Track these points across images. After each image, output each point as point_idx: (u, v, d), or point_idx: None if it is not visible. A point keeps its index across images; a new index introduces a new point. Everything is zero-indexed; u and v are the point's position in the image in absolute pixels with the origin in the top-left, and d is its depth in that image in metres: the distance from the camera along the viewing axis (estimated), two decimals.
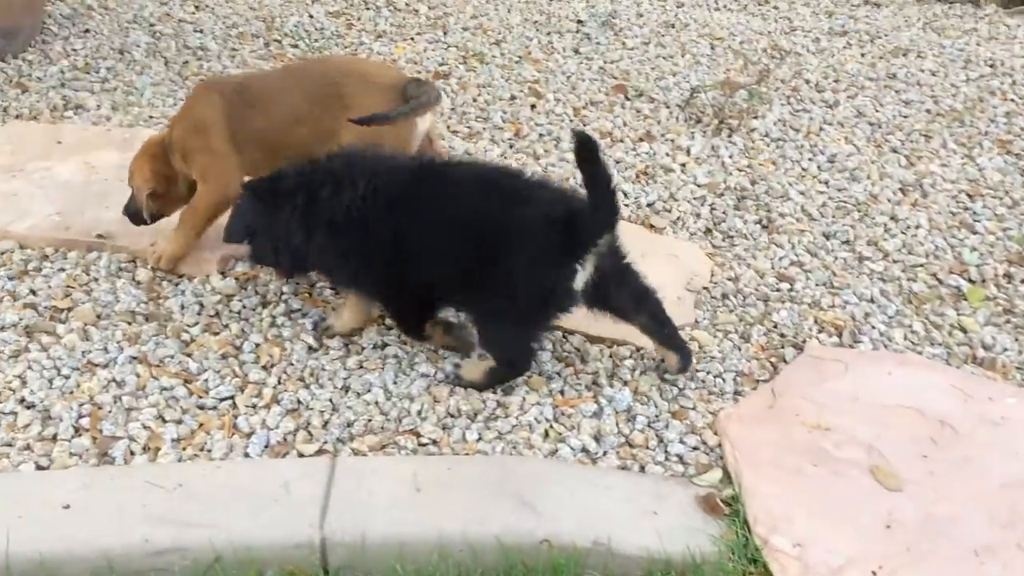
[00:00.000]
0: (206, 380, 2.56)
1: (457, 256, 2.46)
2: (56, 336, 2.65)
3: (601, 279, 2.44)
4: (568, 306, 2.49)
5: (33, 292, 2.80)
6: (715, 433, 2.46)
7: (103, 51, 4.28)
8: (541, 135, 3.87)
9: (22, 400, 2.44)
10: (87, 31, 4.47)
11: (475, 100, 4.12)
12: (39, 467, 2.26)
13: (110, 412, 2.43)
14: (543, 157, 3.70)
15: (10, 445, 2.31)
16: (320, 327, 2.75)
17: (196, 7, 4.87)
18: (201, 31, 4.59)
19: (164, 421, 2.42)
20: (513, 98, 4.16)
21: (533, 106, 4.09)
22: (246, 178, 2.81)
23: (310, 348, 2.69)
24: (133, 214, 2.93)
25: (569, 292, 2.43)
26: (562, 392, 2.59)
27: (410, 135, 2.88)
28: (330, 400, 2.51)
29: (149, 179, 2.85)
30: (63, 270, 2.90)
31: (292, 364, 2.63)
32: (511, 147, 3.78)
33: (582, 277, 2.41)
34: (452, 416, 2.49)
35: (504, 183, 2.53)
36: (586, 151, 2.28)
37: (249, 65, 4.29)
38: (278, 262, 2.72)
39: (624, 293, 2.54)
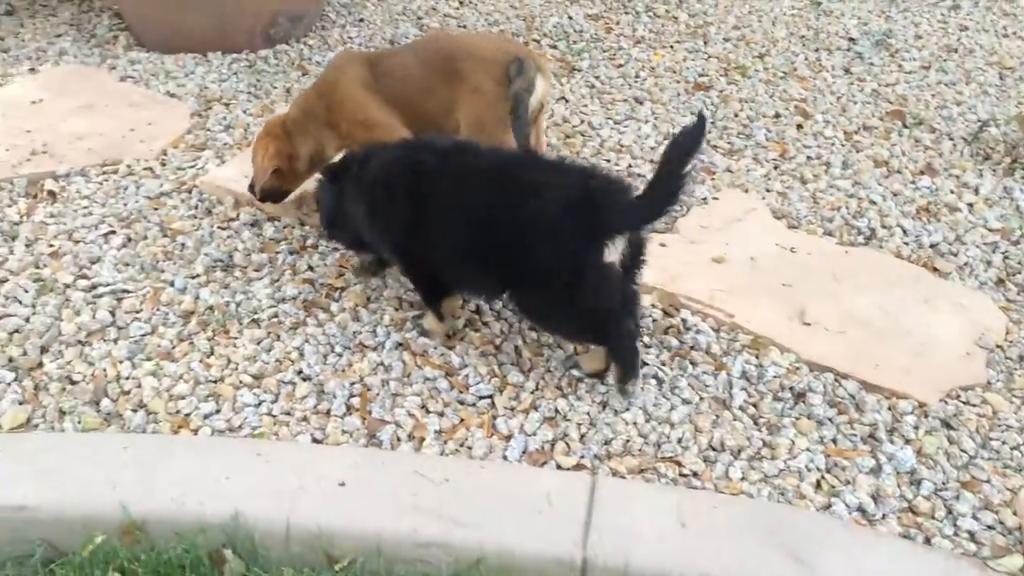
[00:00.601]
0: (467, 376, 2.57)
1: (485, 248, 2.42)
2: (330, 313, 2.76)
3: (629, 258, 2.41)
4: (611, 284, 2.38)
5: (311, 268, 2.94)
6: (1015, 513, 2.20)
7: (375, 41, 4.47)
8: (809, 158, 3.65)
9: (300, 372, 2.55)
10: (361, 20, 4.68)
11: (736, 115, 3.96)
12: (315, 439, 2.35)
13: (378, 395, 2.49)
14: (811, 182, 3.48)
15: (289, 415, 2.42)
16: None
17: (460, 2, 4.98)
18: (464, 26, 4.69)
19: (428, 412, 2.45)
20: (777, 116, 3.96)
21: (799, 126, 3.87)
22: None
23: (568, 356, 2.65)
24: (259, 191, 3.03)
25: (600, 267, 2.33)
26: (835, 441, 2.40)
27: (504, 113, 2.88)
28: (588, 414, 2.46)
29: (273, 157, 2.95)
30: (337, 250, 3.02)
31: (550, 371, 2.60)
32: (775, 168, 3.59)
33: (614, 252, 2.33)
34: (714, 449, 2.37)
35: (520, 173, 2.44)
36: (683, 148, 2.19)
37: None
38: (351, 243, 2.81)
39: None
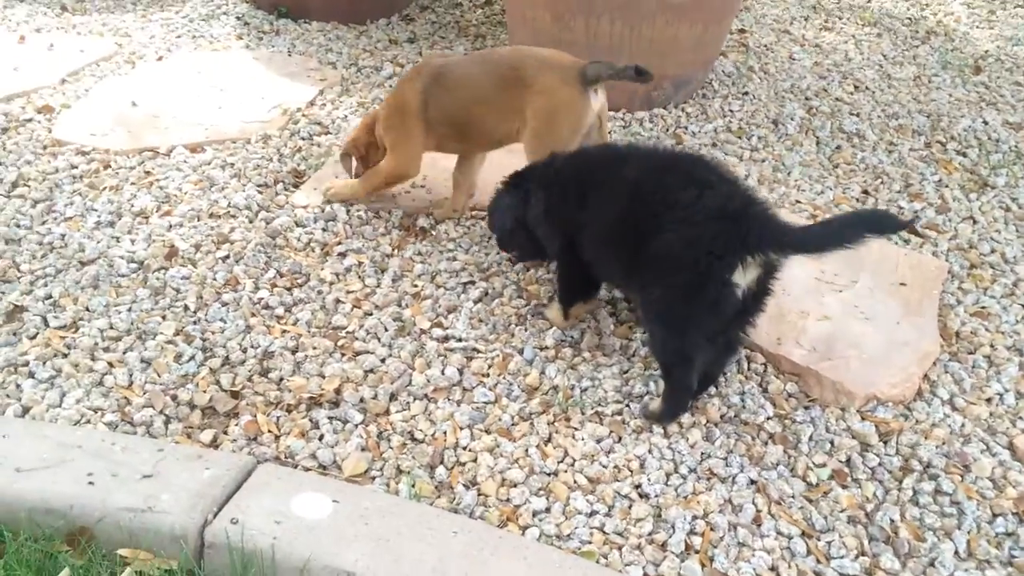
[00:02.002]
0: (829, 543, 2.18)
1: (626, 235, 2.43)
2: (680, 425, 2.49)
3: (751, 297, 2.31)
4: (727, 304, 2.27)
5: None
6: None
7: (758, 118, 4.16)
8: None
9: (638, 487, 2.31)
10: (745, 93, 4.40)
11: None
12: None
13: (722, 539, 2.17)
14: None
15: (622, 536, 2.17)
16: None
17: (855, 87, 4.54)
18: (857, 115, 4.25)
19: None
20: None
21: None
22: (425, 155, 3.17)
23: (958, 554, 2.16)
24: (348, 174, 3.31)
25: (727, 286, 2.24)
26: None
27: (584, 113, 2.92)
28: None
29: (350, 145, 3.23)
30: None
31: (934, 566, 2.13)
32: None
33: (742, 277, 2.24)
34: None
35: (682, 166, 2.47)
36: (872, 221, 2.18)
37: (907, 165, 3.84)
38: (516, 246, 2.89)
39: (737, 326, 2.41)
